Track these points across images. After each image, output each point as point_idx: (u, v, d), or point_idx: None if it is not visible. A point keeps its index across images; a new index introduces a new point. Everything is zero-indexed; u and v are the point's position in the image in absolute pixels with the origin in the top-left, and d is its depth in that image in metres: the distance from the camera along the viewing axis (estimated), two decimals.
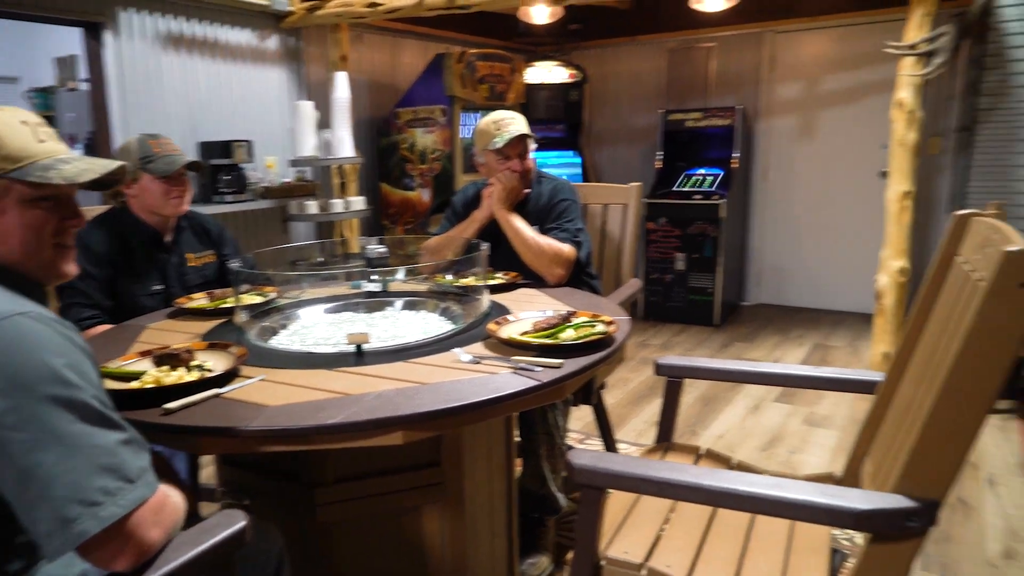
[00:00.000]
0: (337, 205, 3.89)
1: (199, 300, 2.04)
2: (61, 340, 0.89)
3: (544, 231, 2.25)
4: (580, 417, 3.14)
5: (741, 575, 1.19)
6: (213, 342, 1.54)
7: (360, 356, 1.49)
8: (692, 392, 3.61)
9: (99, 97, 3.31)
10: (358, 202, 4.00)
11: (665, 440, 1.76)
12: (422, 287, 2.11)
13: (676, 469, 1.08)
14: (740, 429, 3.18)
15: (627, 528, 1.35)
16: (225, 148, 3.61)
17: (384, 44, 4.73)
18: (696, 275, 4.97)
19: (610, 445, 2.72)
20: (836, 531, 1.42)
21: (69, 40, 4.42)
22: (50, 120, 5.69)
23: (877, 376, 1.46)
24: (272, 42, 3.96)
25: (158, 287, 2.17)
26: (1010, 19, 4.16)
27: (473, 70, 4.18)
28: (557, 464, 2.14)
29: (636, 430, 3.17)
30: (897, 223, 3.58)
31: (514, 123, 2.23)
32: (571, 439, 3.14)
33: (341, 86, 3.64)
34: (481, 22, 5.18)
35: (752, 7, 4.83)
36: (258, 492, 1.60)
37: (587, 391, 2.41)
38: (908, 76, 3.37)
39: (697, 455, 1.70)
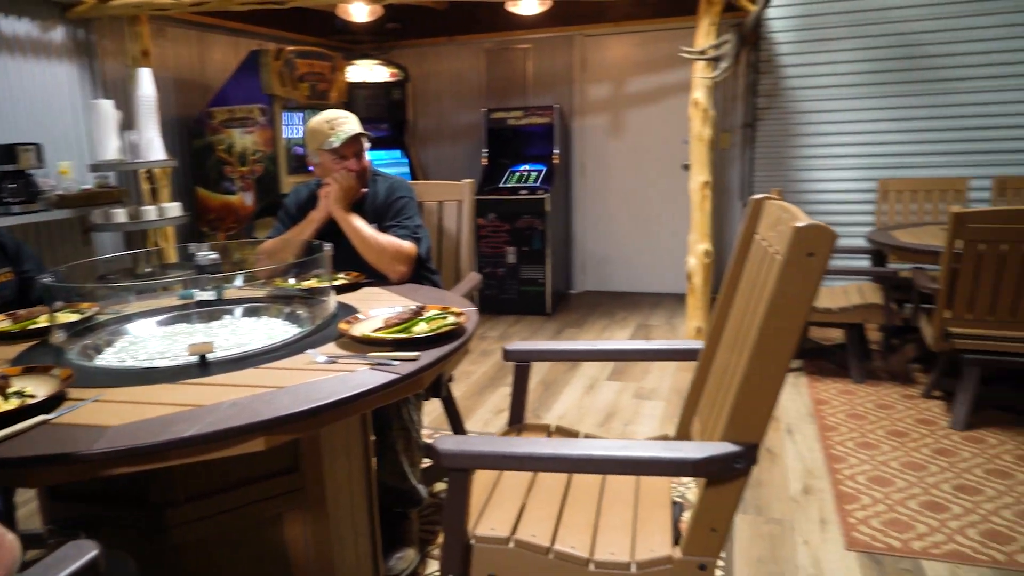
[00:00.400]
0: (150, 212, 3.61)
1: (2, 322, 1.83)
2: None
3: (383, 229, 2.26)
4: (428, 412, 3.18)
5: (599, 533, 1.30)
6: (30, 366, 1.40)
7: (205, 367, 1.43)
8: (533, 377, 3.76)
9: None
10: (173, 208, 3.73)
11: (517, 422, 1.86)
12: (260, 292, 2.04)
13: (536, 443, 1.16)
14: (579, 408, 3.39)
15: (491, 507, 1.42)
16: (8, 152, 3.20)
17: (191, 39, 4.43)
18: (527, 267, 5.19)
19: (460, 433, 2.80)
20: (674, 485, 1.59)
21: None
22: None
23: (698, 344, 1.64)
24: (57, 34, 3.57)
25: None
26: (778, 30, 4.78)
27: (292, 68, 4.05)
28: (415, 457, 2.17)
29: (483, 419, 3.27)
30: (700, 210, 3.99)
31: (348, 122, 2.22)
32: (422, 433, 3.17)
33: (146, 83, 3.37)
34: (296, 18, 5.01)
35: (563, 11, 5.12)
36: (99, 524, 1.47)
37: (437, 384, 2.47)
38: (700, 78, 3.76)
39: (548, 432, 1.81)
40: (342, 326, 1.54)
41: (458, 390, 3.69)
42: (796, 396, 3.41)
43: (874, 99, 4.58)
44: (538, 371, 3.80)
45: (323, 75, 4.31)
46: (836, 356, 3.77)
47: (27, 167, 3.27)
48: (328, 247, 1.82)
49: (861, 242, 4.03)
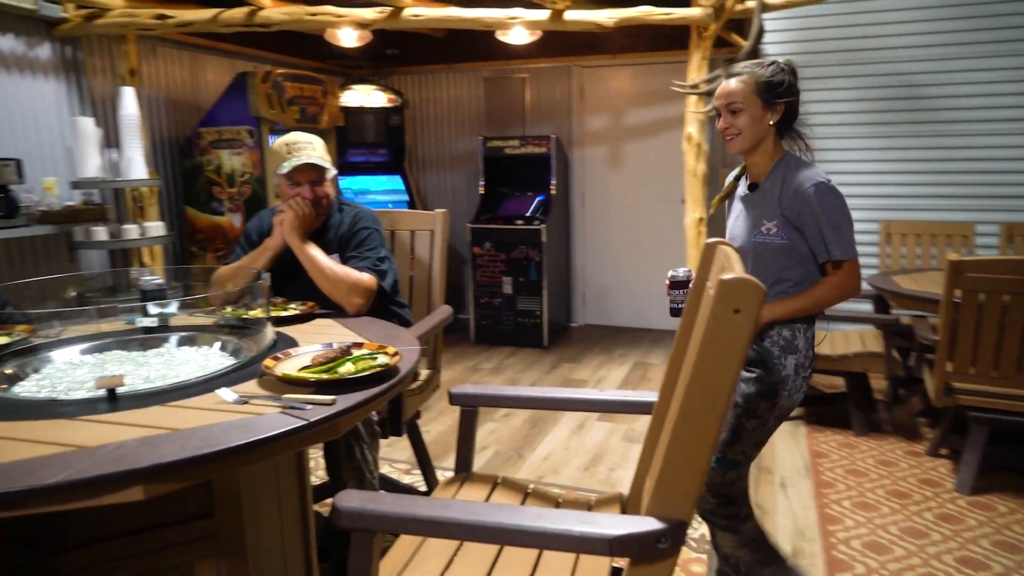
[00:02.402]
0: (131, 231, 3.55)
1: None
2: None
3: (345, 260, 2.18)
4: (407, 446, 3.07)
5: None
6: None
7: (113, 402, 1.34)
8: (521, 414, 3.66)
9: None
10: (156, 227, 3.67)
11: (464, 470, 1.75)
12: (208, 320, 1.95)
13: (440, 506, 1.05)
14: (565, 449, 3.25)
15: (410, 570, 1.30)
16: None
17: (183, 59, 4.42)
18: (523, 298, 5.09)
19: (429, 475, 2.68)
20: None
21: None
22: None
23: (652, 397, 1.53)
24: (43, 51, 3.55)
25: None
26: None
27: (281, 91, 4.01)
28: None
29: None
30: (695, 247, 3.89)
31: (308, 148, 2.14)
32: (397, 470, 3.06)
33: (128, 102, 3.34)
34: (291, 42, 5.01)
35: (558, 42, 5.08)
36: None
37: (396, 422, 2.35)
38: (693, 112, 3.68)
39: (494, 484, 1.69)
40: (266, 363, 1.44)
41: (441, 424, 3.58)
42: (793, 447, 3.25)
43: (875, 139, 4.47)
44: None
45: (314, 99, 4.28)
46: (838, 405, 3.59)
47: (6, 182, 3.24)
48: (266, 276, 1.73)
49: (863, 286, 3.89)
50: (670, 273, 2.00)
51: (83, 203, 3.60)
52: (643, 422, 3.56)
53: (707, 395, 0.94)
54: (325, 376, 1.37)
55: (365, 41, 4.10)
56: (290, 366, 1.45)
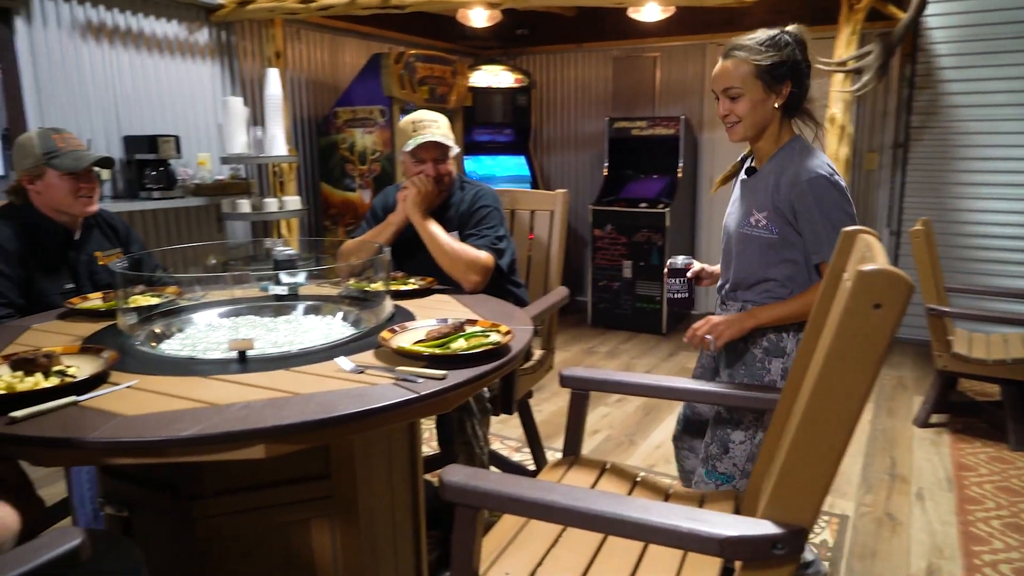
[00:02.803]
0: (271, 204, 3.78)
1: (93, 300, 1.94)
2: None
3: (464, 238, 2.20)
4: (518, 424, 3.10)
5: None
6: (86, 346, 1.46)
7: (243, 364, 1.42)
8: (635, 400, 3.59)
9: (12, 87, 3.15)
10: (293, 202, 3.89)
11: (572, 454, 1.72)
12: (333, 291, 2.04)
13: (543, 488, 1.03)
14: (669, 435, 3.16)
15: (513, 548, 1.30)
16: (151, 143, 3.47)
17: (323, 42, 4.63)
18: (643, 283, 4.98)
19: (538, 455, 2.68)
20: None
21: None
22: None
23: (775, 394, 1.44)
24: (202, 35, 3.84)
25: (70, 286, 2.09)
26: (937, 41, 4.27)
27: (412, 71, 4.11)
28: None
29: None
30: None
31: (432, 126, 2.17)
32: (508, 447, 3.10)
33: (273, 83, 3.54)
34: (424, 23, 5.11)
35: (693, 19, 4.87)
36: (136, 504, 1.51)
37: (507, 400, 2.37)
38: (839, 92, 3.42)
39: (602, 469, 1.66)
40: (383, 335, 1.48)
41: (553, 405, 3.58)
42: (934, 456, 2.98)
43: None
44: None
45: (443, 79, 4.35)
46: (991, 415, 3.25)
47: (167, 157, 3.54)
48: (386, 251, 1.77)
49: None
50: (668, 261, 1.88)
51: (230, 177, 3.87)
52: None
53: (837, 397, 0.86)
54: (438, 351, 1.39)
55: (495, 21, 4.11)
56: (405, 339, 1.48)
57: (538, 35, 5.68)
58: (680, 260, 1.87)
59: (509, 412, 2.35)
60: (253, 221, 4.14)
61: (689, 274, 1.86)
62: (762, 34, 1.68)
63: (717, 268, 1.95)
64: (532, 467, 2.77)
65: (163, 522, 1.46)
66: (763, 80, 1.64)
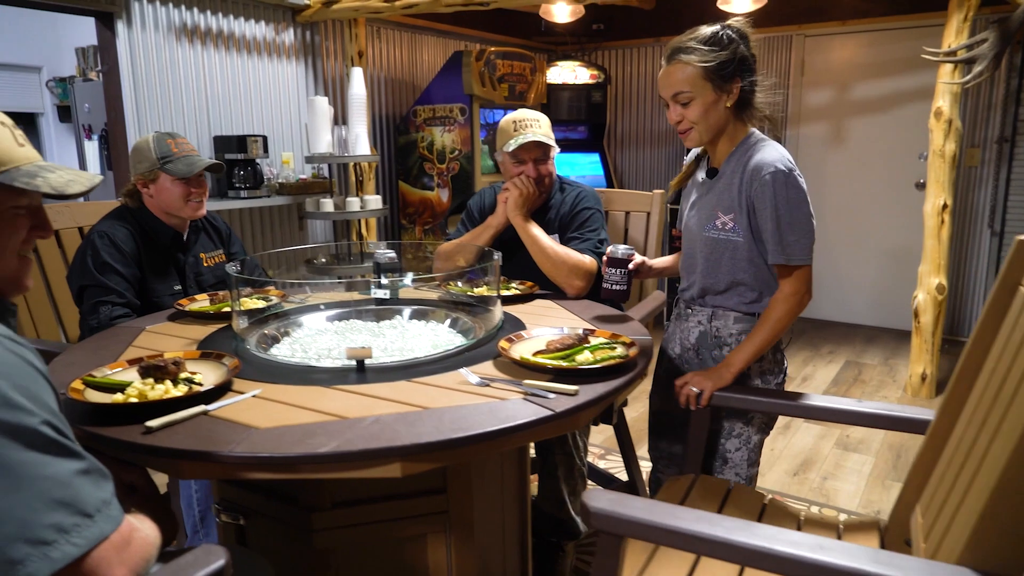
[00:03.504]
0: (353, 203, 3.80)
1: (201, 302, 1.95)
2: (11, 359, 0.78)
3: (565, 240, 2.13)
4: (600, 430, 3.02)
5: None
6: (206, 352, 1.45)
7: (361, 372, 1.39)
8: None
9: (113, 88, 3.24)
10: (374, 201, 3.90)
11: (692, 471, 1.64)
12: (433, 295, 2.00)
13: (704, 520, 0.95)
14: (770, 452, 3.03)
15: (650, 571, 1.23)
16: (240, 143, 3.53)
17: (403, 40, 4.64)
18: None
19: (632, 466, 2.60)
20: None
21: (91, 31, 4.37)
22: (67, 111, 5.64)
23: (927, 414, 1.32)
24: (288, 36, 3.88)
25: (178, 287, 2.13)
26: None
27: (492, 69, 4.07)
28: (576, 486, 2.02)
29: None
30: (935, 237, 3.43)
31: (534, 125, 2.11)
32: (592, 454, 3.02)
33: (357, 83, 3.55)
34: (502, 20, 5.07)
35: (782, 9, 4.67)
36: (254, 513, 1.50)
37: (607, 412, 2.30)
38: (946, 84, 3.21)
39: (727, 491, 1.57)
40: (502, 345, 1.43)
41: (635, 411, 3.48)
42: None
43: None
44: None
45: (523, 76, 4.30)
46: None
47: (254, 156, 3.59)
48: (497, 256, 1.72)
49: None
50: (608, 249, 1.78)
51: (313, 176, 3.91)
52: (859, 429, 3.23)
53: None
54: (564, 364, 1.33)
55: (578, 16, 4.03)
56: (524, 349, 1.43)
57: (614, 29, 5.56)
58: (621, 250, 1.77)
59: (609, 422, 2.28)
60: (335, 220, 4.17)
61: (631, 266, 1.77)
62: (704, 33, 1.61)
63: (661, 263, 1.92)
64: (620, 476, 2.69)
65: (279, 532, 1.45)
66: (712, 81, 1.58)
